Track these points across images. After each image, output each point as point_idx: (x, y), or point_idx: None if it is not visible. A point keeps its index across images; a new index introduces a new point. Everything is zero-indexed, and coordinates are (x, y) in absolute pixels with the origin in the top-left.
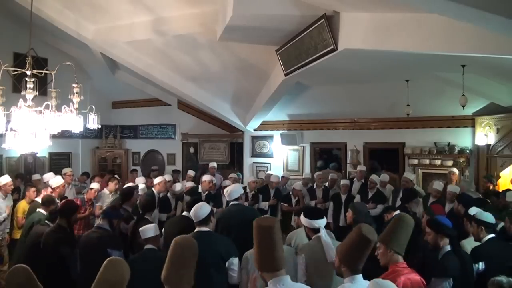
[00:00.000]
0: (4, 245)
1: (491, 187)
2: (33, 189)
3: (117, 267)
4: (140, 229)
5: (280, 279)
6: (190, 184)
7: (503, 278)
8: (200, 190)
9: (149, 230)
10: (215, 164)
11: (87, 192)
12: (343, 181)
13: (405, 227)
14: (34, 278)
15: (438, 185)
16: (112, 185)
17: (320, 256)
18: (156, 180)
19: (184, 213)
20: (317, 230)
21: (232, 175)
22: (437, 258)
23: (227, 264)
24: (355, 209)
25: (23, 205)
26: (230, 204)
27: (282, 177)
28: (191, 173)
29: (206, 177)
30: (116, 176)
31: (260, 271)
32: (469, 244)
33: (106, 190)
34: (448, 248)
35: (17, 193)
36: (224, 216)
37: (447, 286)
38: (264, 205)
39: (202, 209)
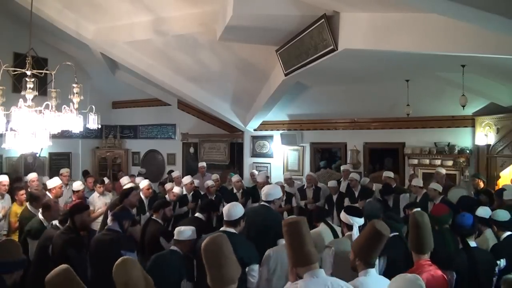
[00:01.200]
0: None
1: (482, 184)
2: (21, 192)
3: (123, 268)
4: (177, 228)
5: (314, 272)
6: (177, 190)
7: None
8: (184, 192)
9: (186, 232)
10: (204, 164)
11: (74, 194)
12: (330, 183)
13: (419, 227)
14: (77, 278)
15: (416, 181)
16: (99, 189)
17: (347, 253)
18: (142, 184)
19: (197, 214)
20: (351, 228)
21: (235, 177)
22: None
23: (247, 269)
24: (366, 211)
25: (15, 209)
26: (261, 203)
27: (266, 177)
28: (176, 174)
29: (187, 179)
30: (103, 179)
31: (295, 267)
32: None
33: (96, 193)
34: (460, 245)
35: (9, 193)
36: (248, 214)
37: (449, 277)
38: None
39: (236, 209)
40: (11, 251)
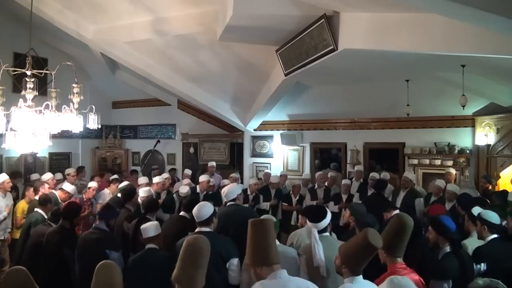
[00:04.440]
0: (5, 246)
1: (490, 187)
2: (32, 188)
3: (107, 271)
4: (142, 227)
5: (277, 273)
6: (186, 182)
7: (479, 281)
8: (198, 190)
9: (150, 229)
10: (214, 163)
11: (86, 192)
12: (344, 181)
13: (401, 230)
14: (32, 279)
15: (439, 182)
16: (114, 187)
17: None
18: (155, 180)
19: (182, 213)
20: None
21: (233, 175)
22: (436, 259)
23: (227, 264)
24: (353, 210)
25: (22, 205)
26: (227, 204)
27: (281, 175)
28: (188, 172)
29: (203, 177)
30: (117, 177)
31: (258, 265)
32: (470, 244)
33: (107, 190)
34: (448, 249)
35: (15, 192)
36: (221, 216)
37: (445, 286)
38: (265, 205)
39: (204, 209)
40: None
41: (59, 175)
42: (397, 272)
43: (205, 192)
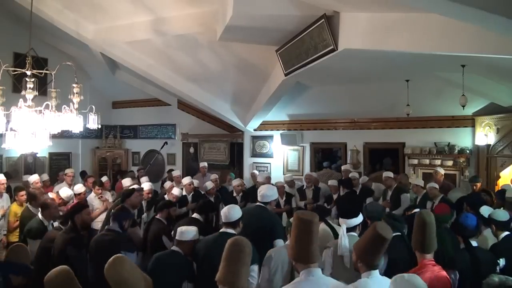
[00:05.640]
0: (1, 247)
1: (479, 186)
2: (21, 192)
3: (116, 267)
4: (178, 229)
5: (311, 271)
6: (176, 192)
7: (495, 278)
8: (184, 193)
9: (180, 232)
10: (205, 164)
11: (76, 197)
12: (331, 182)
13: (422, 227)
14: (75, 279)
15: (418, 181)
16: (97, 191)
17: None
18: (124, 183)
19: (194, 215)
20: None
21: (213, 176)
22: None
23: None
24: (368, 212)
25: (14, 208)
26: (256, 204)
27: (266, 177)
28: (176, 173)
29: (186, 180)
30: (101, 179)
31: (294, 261)
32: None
33: (92, 194)
34: (462, 245)
35: (8, 192)
36: (244, 215)
37: (452, 277)
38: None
39: (234, 211)
40: (21, 255)
41: (45, 176)
42: (426, 268)
43: (192, 193)
